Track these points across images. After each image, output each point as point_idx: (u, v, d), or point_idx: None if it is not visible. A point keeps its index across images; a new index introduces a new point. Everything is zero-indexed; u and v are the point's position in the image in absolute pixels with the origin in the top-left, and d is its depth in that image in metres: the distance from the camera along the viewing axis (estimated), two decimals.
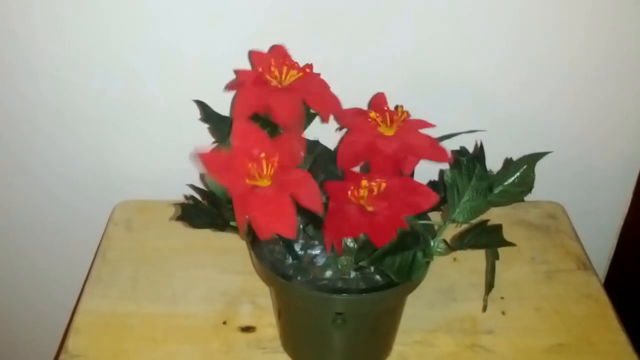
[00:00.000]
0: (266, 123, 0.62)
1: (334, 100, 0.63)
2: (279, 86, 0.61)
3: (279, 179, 0.55)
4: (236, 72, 0.72)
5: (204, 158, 0.55)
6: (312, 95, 0.61)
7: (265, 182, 0.55)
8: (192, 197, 0.64)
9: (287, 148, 0.56)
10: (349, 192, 0.57)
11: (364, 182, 0.57)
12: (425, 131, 0.63)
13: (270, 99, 0.60)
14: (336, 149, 0.63)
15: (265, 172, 0.55)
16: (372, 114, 0.62)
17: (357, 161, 0.61)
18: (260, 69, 0.62)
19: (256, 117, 0.62)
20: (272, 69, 0.61)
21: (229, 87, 0.69)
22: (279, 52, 0.66)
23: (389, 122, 0.61)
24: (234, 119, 0.59)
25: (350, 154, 0.61)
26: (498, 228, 0.60)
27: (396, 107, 0.63)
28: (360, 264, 0.57)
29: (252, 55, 0.67)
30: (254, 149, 0.55)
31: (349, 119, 0.64)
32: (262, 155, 0.55)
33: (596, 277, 0.80)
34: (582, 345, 0.71)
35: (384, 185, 0.57)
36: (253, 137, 0.56)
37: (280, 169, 0.55)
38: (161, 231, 0.86)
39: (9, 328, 1.09)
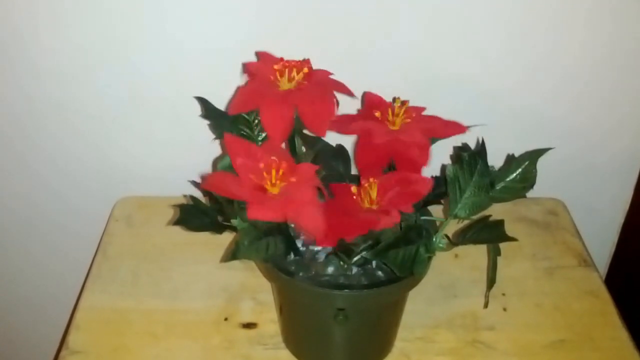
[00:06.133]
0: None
1: (326, 110, 0.60)
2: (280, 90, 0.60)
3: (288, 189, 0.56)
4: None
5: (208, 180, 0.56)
6: (306, 107, 0.59)
7: (274, 190, 0.56)
8: (191, 196, 0.64)
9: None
10: (357, 197, 0.58)
11: (367, 184, 0.58)
12: None
13: (263, 104, 0.59)
14: (339, 145, 0.63)
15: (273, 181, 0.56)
16: (378, 114, 0.62)
17: (380, 164, 0.60)
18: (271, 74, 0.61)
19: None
20: (278, 72, 0.60)
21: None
22: (268, 58, 0.65)
23: (393, 116, 0.62)
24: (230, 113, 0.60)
25: (373, 158, 0.60)
26: (500, 223, 0.60)
27: (394, 100, 0.63)
28: (364, 256, 0.57)
29: (248, 67, 0.65)
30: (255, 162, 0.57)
31: (353, 126, 0.63)
32: (262, 166, 0.56)
33: (597, 273, 0.80)
34: (583, 342, 0.71)
35: (375, 183, 0.58)
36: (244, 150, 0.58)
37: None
38: (162, 227, 0.86)
39: (10, 324, 1.09)
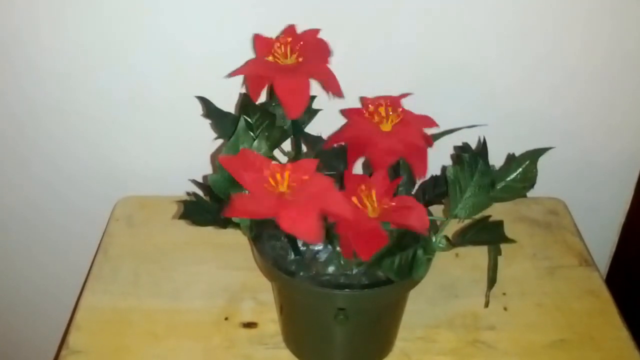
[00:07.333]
0: (266, 114, 0.62)
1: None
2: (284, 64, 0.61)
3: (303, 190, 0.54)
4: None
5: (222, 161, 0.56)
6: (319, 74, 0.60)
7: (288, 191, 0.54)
8: (194, 193, 0.64)
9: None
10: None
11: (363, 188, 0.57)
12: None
13: (276, 74, 0.59)
14: (340, 145, 0.63)
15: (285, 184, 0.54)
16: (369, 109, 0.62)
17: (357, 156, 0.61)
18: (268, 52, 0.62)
19: (255, 108, 0.63)
20: (277, 48, 0.61)
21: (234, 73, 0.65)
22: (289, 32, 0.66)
23: (385, 118, 0.61)
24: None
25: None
26: (499, 224, 0.60)
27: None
28: (359, 268, 0.57)
29: (256, 40, 0.65)
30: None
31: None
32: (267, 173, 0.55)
33: (598, 273, 0.80)
34: (584, 341, 0.71)
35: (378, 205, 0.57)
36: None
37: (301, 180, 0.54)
38: (162, 227, 0.86)
39: (10, 324, 1.09)
